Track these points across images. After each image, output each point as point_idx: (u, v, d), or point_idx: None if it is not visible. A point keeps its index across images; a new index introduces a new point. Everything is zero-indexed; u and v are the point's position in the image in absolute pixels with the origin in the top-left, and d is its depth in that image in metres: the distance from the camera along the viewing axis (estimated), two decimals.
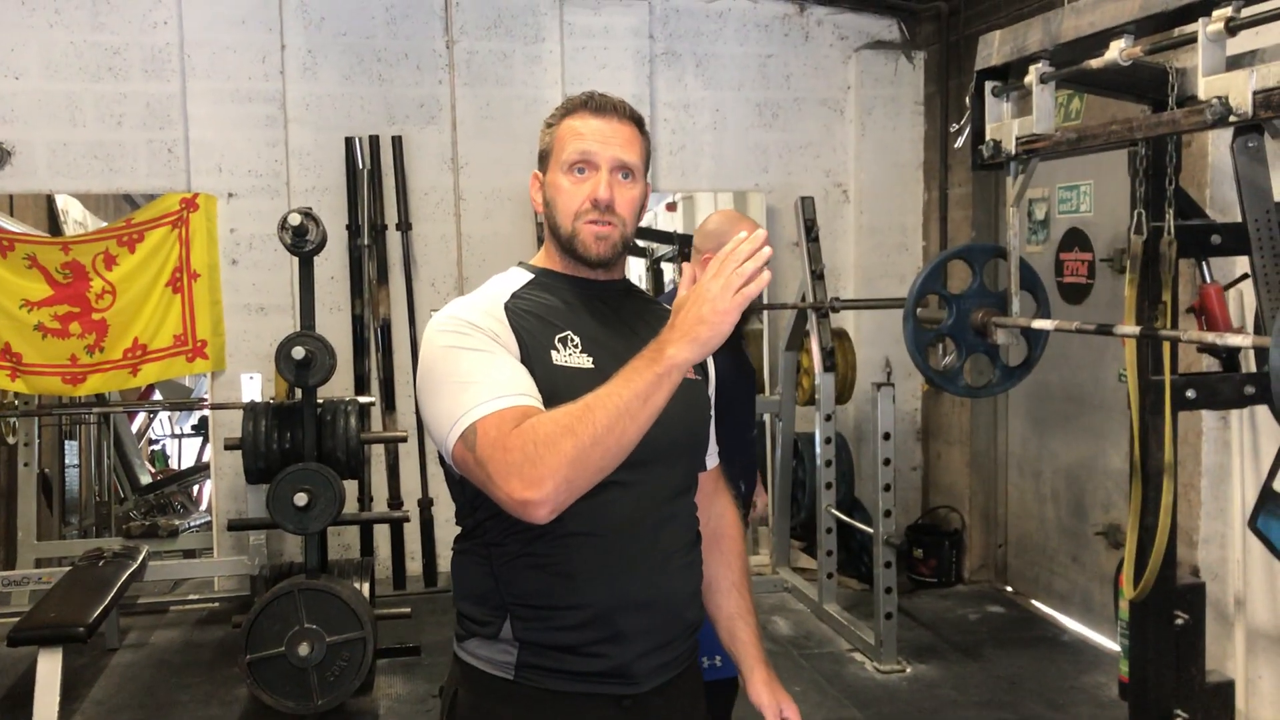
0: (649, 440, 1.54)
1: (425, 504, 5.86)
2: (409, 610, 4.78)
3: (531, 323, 1.68)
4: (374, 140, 5.83)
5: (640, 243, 7.69)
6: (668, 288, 7.35)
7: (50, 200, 6.59)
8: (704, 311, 1.47)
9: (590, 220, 1.72)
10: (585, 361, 1.68)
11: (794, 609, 5.50)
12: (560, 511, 1.52)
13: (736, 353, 2.92)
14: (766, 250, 1.48)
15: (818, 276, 5.48)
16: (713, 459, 1.92)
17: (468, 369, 1.60)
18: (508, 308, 1.69)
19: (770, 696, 1.89)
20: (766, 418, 6.31)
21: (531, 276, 1.78)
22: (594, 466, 1.50)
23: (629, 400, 1.48)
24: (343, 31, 5.82)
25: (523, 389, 1.58)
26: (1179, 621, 3.13)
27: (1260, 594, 3.88)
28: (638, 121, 1.78)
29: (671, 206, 7.71)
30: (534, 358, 1.65)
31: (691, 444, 1.80)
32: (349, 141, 5.81)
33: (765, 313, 6.40)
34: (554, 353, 1.67)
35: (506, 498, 1.51)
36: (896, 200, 6.37)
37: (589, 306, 1.76)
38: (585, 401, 1.50)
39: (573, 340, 1.69)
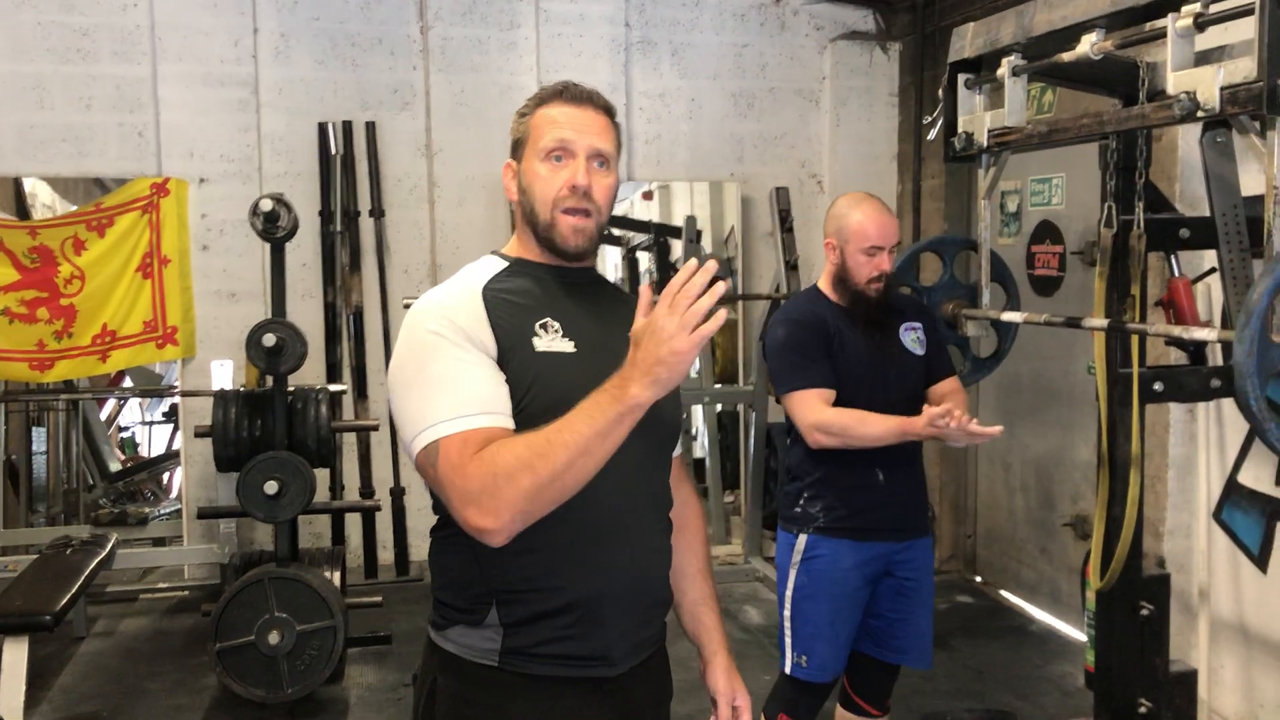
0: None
1: (397, 493, 5.85)
2: (380, 599, 4.77)
3: (509, 310, 1.69)
4: (347, 126, 5.79)
5: (616, 231, 7.68)
6: (643, 278, 7.35)
7: (18, 184, 6.50)
8: (662, 352, 1.48)
9: (568, 208, 1.72)
10: (567, 346, 1.70)
11: (766, 598, 5.52)
12: (514, 536, 1.57)
13: None
14: (720, 285, 1.48)
15: (792, 267, 5.49)
16: (676, 447, 1.93)
17: (439, 373, 1.61)
18: (485, 297, 1.69)
19: (727, 684, 1.92)
20: (740, 408, 6.33)
21: (506, 264, 1.79)
22: (550, 500, 1.55)
23: (589, 438, 1.51)
24: (316, 16, 5.77)
25: (490, 405, 1.60)
26: (1144, 612, 3.17)
27: (1224, 585, 3.93)
28: (610, 112, 1.81)
29: (648, 195, 7.69)
30: (514, 346, 1.66)
31: (668, 429, 1.82)
32: (322, 127, 5.77)
33: (740, 303, 6.41)
34: (535, 339, 1.68)
35: (463, 522, 1.56)
36: (871, 191, 6.32)
37: (565, 292, 1.77)
38: (546, 435, 1.52)
39: (553, 325, 1.70)
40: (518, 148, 1.80)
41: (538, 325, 1.69)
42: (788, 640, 3.02)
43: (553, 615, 1.67)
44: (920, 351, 3.06)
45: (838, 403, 2.91)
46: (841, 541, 2.95)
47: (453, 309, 1.66)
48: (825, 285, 3.06)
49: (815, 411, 2.88)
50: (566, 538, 1.65)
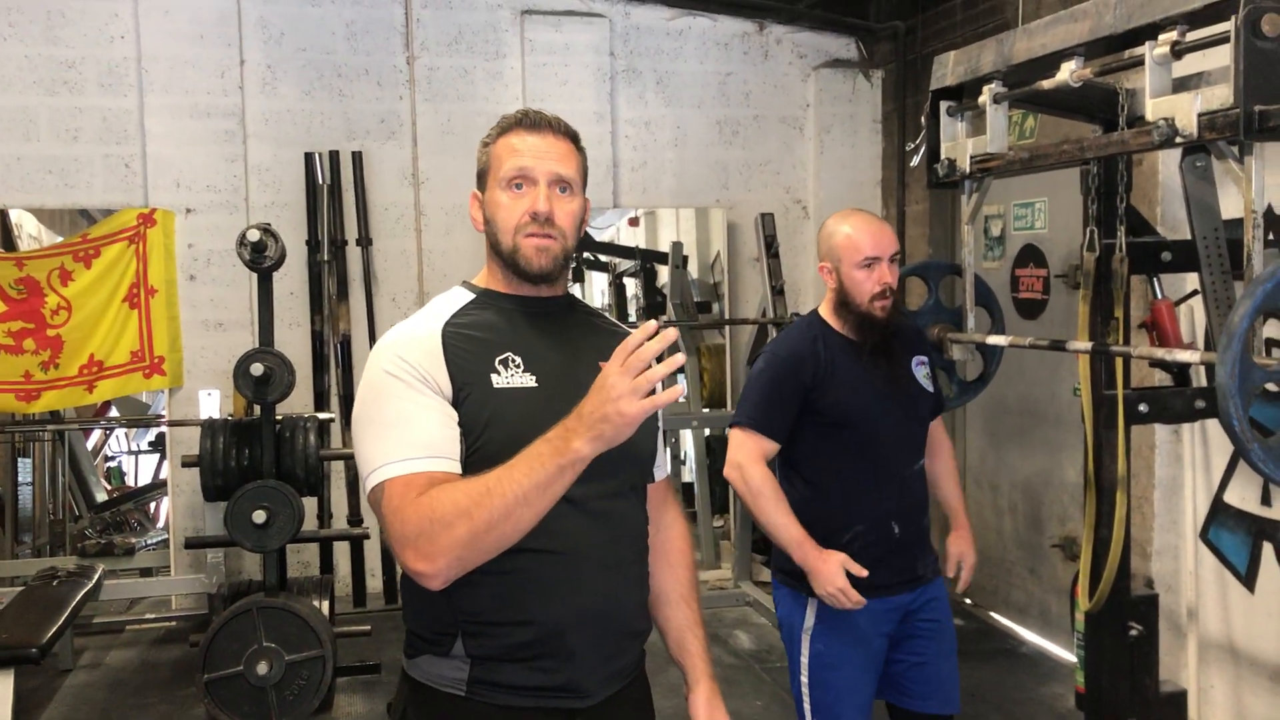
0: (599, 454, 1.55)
1: None
2: (369, 628, 4.75)
3: (468, 347, 1.68)
4: (334, 156, 5.81)
5: (603, 258, 7.72)
6: (630, 304, 7.38)
7: (3, 215, 6.49)
8: (608, 410, 1.46)
9: (530, 234, 1.72)
10: (528, 381, 1.69)
11: (756, 623, 5.51)
12: (452, 582, 1.58)
13: None
14: (678, 356, 1.49)
15: (778, 292, 5.52)
16: (661, 470, 1.93)
17: (392, 415, 1.62)
18: (445, 334, 1.69)
19: (707, 713, 1.88)
20: (728, 431, 6.33)
21: (473, 296, 1.79)
22: (489, 547, 1.55)
23: (529, 490, 1.51)
24: (303, 47, 5.80)
25: (437, 449, 1.60)
26: (1133, 632, 3.18)
27: (1212, 605, 3.95)
28: (573, 137, 1.80)
29: (634, 222, 7.75)
30: (470, 385, 1.65)
31: (639, 456, 1.81)
32: (309, 157, 5.79)
33: (726, 328, 6.44)
34: (494, 376, 1.67)
35: (401, 563, 1.58)
36: None
37: (531, 324, 1.76)
38: (487, 483, 1.52)
39: (514, 360, 1.70)
40: (481, 178, 1.80)
41: (498, 361, 1.69)
42: (807, 709, 2.81)
43: (520, 646, 1.66)
44: (931, 390, 2.91)
45: (832, 439, 2.77)
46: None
47: (409, 349, 1.66)
48: (826, 312, 2.85)
49: (747, 458, 2.75)
50: (533, 570, 1.65)
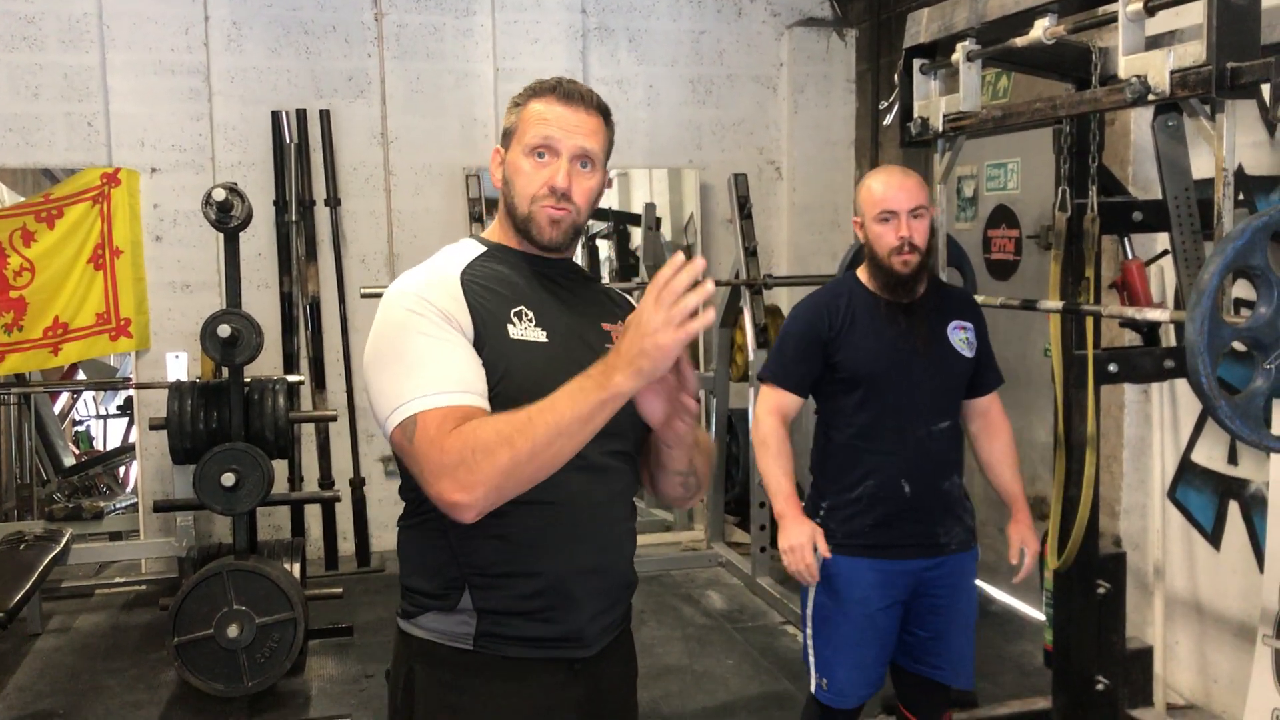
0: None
1: (357, 484, 5.81)
2: (341, 590, 4.74)
3: (486, 296, 1.69)
4: (301, 114, 5.73)
5: None
6: (603, 266, 7.34)
7: None
8: (646, 345, 1.47)
9: (546, 205, 1.73)
10: (540, 335, 1.70)
11: (728, 583, 5.54)
12: (486, 514, 1.56)
13: None
14: (708, 285, 1.48)
15: (751, 253, 5.50)
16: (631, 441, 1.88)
17: (418, 353, 1.61)
18: (463, 280, 1.69)
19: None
20: (701, 394, 6.34)
21: (484, 249, 1.78)
22: (526, 478, 1.54)
23: (570, 421, 1.51)
24: (268, 3, 5.70)
25: (469, 384, 1.60)
26: (1101, 590, 3.22)
27: (1178, 563, 3.99)
28: (604, 112, 1.78)
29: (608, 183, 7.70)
30: (489, 332, 1.66)
31: (638, 421, 1.78)
32: (275, 115, 5.70)
33: None
34: (510, 326, 1.68)
35: (437, 495, 1.55)
36: (828, 177, 6.41)
37: (540, 283, 1.77)
38: (528, 413, 1.52)
39: (527, 314, 1.71)
40: (507, 136, 1.79)
41: (512, 313, 1.70)
42: (810, 659, 2.85)
43: (526, 598, 1.69)
44: (969, 354, 2.80)
45: (847, 393, 2.76)
46: (859, 560, 2.73)
47: (431, 290, 1.66)
48: (862, 271, 2.82)
49: (763, 410, 2.81)
50: (540, 523, 1.67)
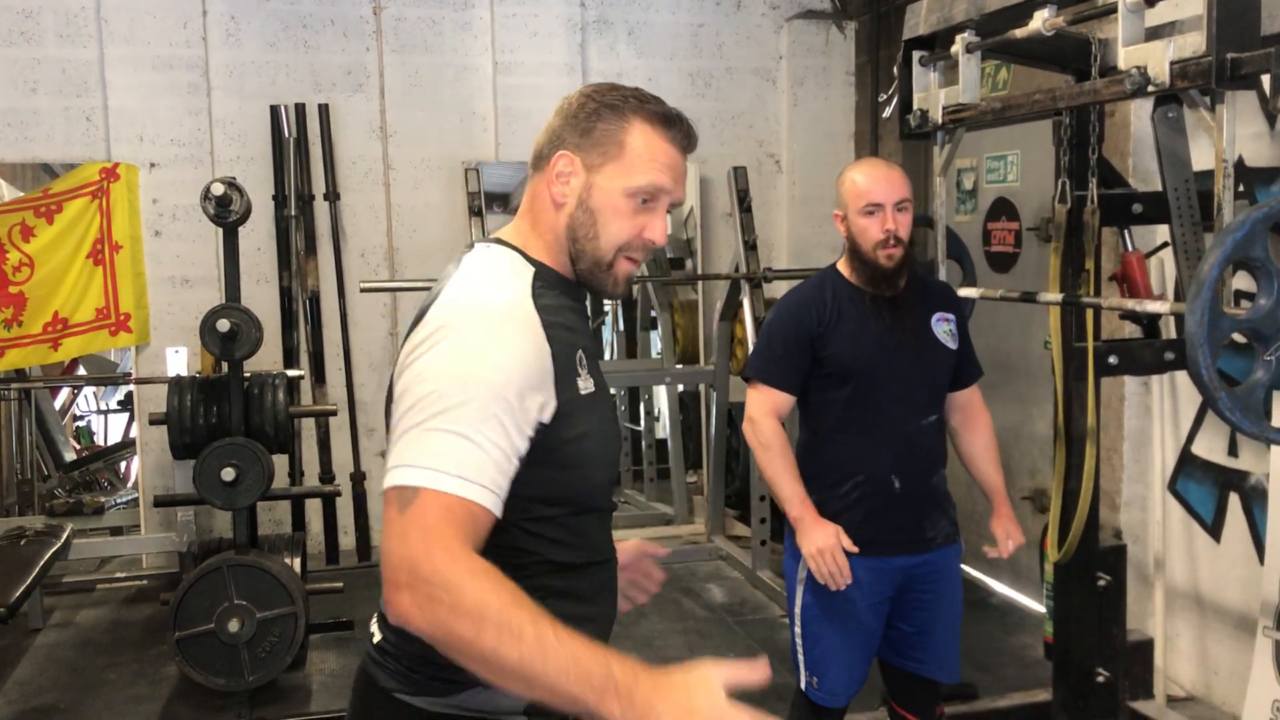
0: (611, 468, 1.60)
1: (358, 478, 5.81)
2: (341, 585, 4.73)
3: (559, 338, 1.48)
4: (300, 109, 5.72)
5: None
6: None
7: None
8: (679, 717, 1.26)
9: (630, 257, 1.57)
10: (590, 385, 1.54)
11: (728, 576, 5.54)
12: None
13: None
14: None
15: (750, 247, 5.49)
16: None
17: (469, 419, 1.37)
18: (542, 317, 1.48)
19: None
20: (701, 388, 6.34)
21: (534, 269, 1.56)
22: (461, 656, 1.32)
23: (543, 679, 1.28)
24: None
25: (489, 480, 1.37)
26: (1101, 583, 3.21)
27: (1179, 555, 3.99)
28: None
29: None
30: (565, 382, 1.48)
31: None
32: (274, 110, 5.69)
33: (700, 283, 6.41)
34: (579, 380, 1.51)
35: (387, 592, 1.34)
36: (828, 170, 6.32)
37: (582, 316, 1.62)
38: (526, 622, 1.29)
39: (583, 360, 1.53)
40: (596, 150, 1.54)
41: (577, 359, 1.51)
42: (800, 658, 2.82)
43: None
44: (953, 346, 2.80)
45: (835, 388, 2.73)
46: (848, 558, 2.67)
47: (525, 353, 1.44)
48: (842, 263, 2.79)
49: (758, 412, 2.75)
50: (595, 580, 1.62)
